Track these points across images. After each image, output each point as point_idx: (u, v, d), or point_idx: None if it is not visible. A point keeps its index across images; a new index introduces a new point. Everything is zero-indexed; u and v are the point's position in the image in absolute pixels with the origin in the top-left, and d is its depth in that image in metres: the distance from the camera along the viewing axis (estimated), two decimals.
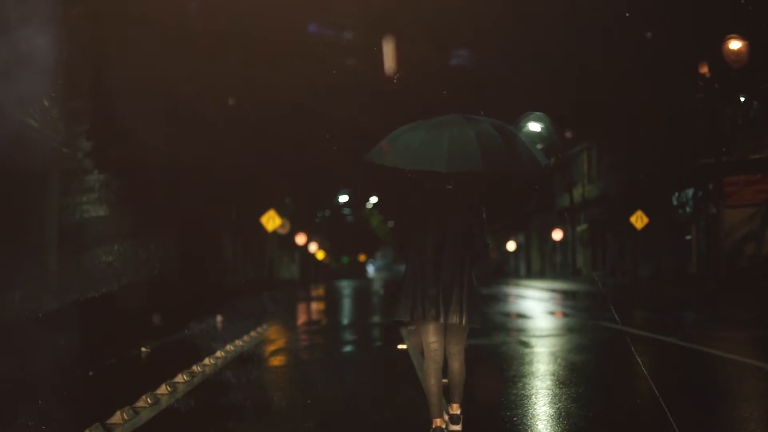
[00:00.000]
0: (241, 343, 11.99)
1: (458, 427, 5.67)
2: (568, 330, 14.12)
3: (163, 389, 7.90)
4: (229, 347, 11.28)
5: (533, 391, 7.76)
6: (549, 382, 8.24)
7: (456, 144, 5.42)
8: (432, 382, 5.69)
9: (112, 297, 14.07)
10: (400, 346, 11.58)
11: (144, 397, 7.29)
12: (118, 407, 6.68)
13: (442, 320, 5.58)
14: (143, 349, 11.43)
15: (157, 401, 7.42)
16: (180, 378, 8.58)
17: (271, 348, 12.29)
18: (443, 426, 5.63)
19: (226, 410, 7.41)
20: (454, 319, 5.56)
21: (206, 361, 9.91)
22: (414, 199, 5.80)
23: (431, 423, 5.67)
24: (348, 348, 12.58)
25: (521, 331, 13.66)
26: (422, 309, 5.57)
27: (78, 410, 7.02)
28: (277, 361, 11.05)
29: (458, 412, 5.69)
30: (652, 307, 20.73)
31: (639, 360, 9.70)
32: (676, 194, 33.61)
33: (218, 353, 10.60)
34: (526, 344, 11.59)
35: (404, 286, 5.68)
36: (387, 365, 10.28)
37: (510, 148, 5.52)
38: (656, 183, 32.56)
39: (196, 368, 9.27)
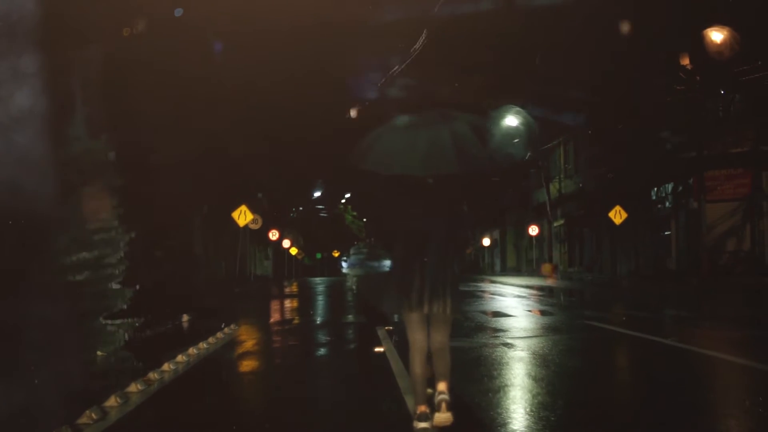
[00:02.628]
0: (205, 345, 11.14)
1: (446, 397, 5.80)
2: (555, 330, 13.37)
3: (112, 401, 7.04)
4: (192, 350, 10.42)
5: (527, 404, 6.97)
6: (545, 393, 7.44)
7: (432, 147, 5.62)
8: (418, 371, 5.89)
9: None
10: (377, 349, 10.77)
11: (88, 412, 6.42)
12: (56, 425, 5.83)
13: (426, 310, 5.77)
14: (98, 353, 10.55)
15: (104, 416, 6.57)
16: (133, 387, 7.72)
17: (240, 351, 11.42)
18: (427, 411, 5.79)
19: (184, 425, 6.58)
20: (438, 309, 5.75)
21: (165, 366, 9.05)
22: (397, 195, 5.91)
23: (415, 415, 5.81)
24: (322, 351, 11.74)
25: (504, 331, 12.88)
26: (408, 300, 5.76)
27: (7, 429, 6.15)
28: (244, 366, 10.19)
29: (445, 389, 5.83)
30: (638, 305, 20.05)
31: (641, 366, 9.01)
32: (655, 189, 33.12)
33: (179, 357, 9.74)
34: (511, 346, 10.81)
35: (392, 281, 5.90)
36: (365, 371, 9.45)
37: (484, 146, 5.72)
38: (635, 178, 32.03)
39: (152, 375, 8.41)
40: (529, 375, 8.42)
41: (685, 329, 13.75)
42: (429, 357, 6.00)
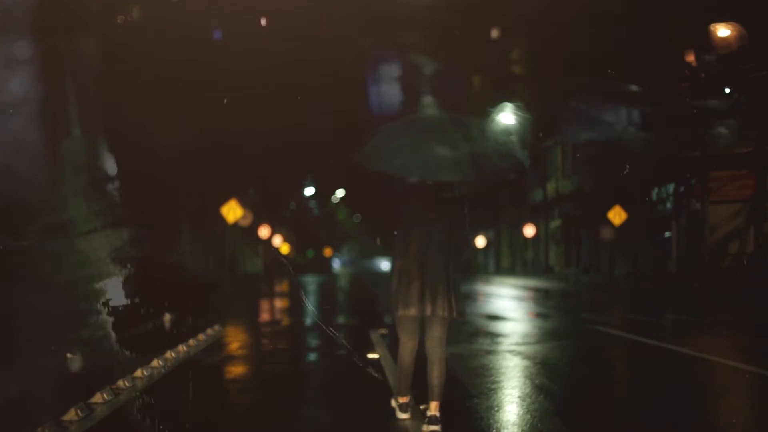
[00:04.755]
0: (185, 348, 10.28)
1: (437, 428, 5.60)
2: (560, 335, 12.62)
3: (72, 414, 6.21)
4: (170, 354, 9.59)
5: (545, 426, 6.17)
6: (563, 412, 6.64)
7: (448, 155, 5.56)
8: (406, 363, 5.89)
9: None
10: (370, 355, 9.95)
11: (41, 429, 5.59)
12: None
13: (429, 313, 5.67)
14: (69, 355, 9.69)
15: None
16: (98, 397, 6.88)
17: (223, 354, 10.59)
18: (408, 402, 5.94)
19: None
20: (441, 312, 5.66)
21: (138, 372, 8.22)
22: (398, 196, 5.88)
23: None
24: (312, 357, 10.91)
25: (506, 336, 12.09)
26: (411, 303, 5.66)
27: None
28: (227, 372, 9.34)
29: (437, 413, 5.66)
30: (642, 309, 19.29)
31: (662, 379, 8.22)
32: (656, 189, 32.37)
33: (155, 362, 8.90)
34: (515, 353, 10.00)
35: (394, 282, 5.78)
36: (358, 382, 8.59)
37: (496, 153, 5.73)
38: (635, 178, 31.25)
39: (122, 383, 7.58)
40: (540, 388, 7.60)
41: (698, 335, 13.00)
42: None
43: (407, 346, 5.90)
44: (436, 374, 5.75)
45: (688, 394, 7.51)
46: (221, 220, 29.64)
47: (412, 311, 5.69)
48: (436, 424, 5.61)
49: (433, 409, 5.67)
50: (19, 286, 10.65)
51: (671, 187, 30.99)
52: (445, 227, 5.75)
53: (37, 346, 8.76)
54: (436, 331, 5.83)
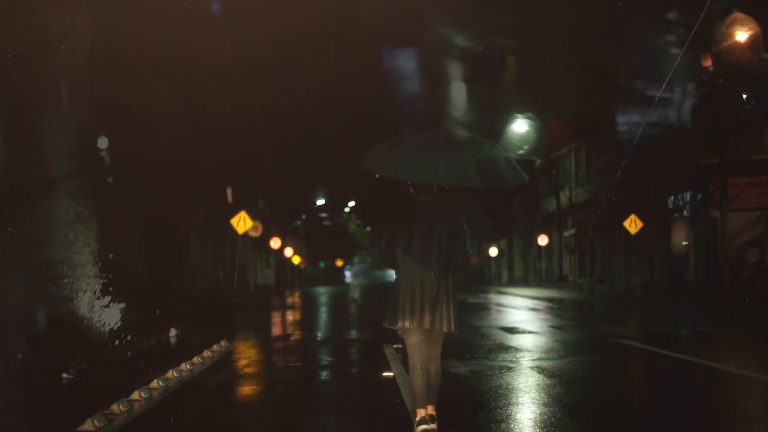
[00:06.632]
0: (189, 366, 9.72)
1: (434, 426, 5.75)
2: (584, 350, 12.00)
3: None
4: (172, 373, 9.04)
5: None
6: None
7: (454, 163, 5.63)
8: (418, 383, 5.82)
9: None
10: (386, 374, 9.38)
11: None
12: None
13: (428, 327, 5.75)
14: (64, 375, 9.16)
15: None
16: (89, 425, 6.32)
17: (228, 374, 9.98)
18: (427, 415, 5.77)
19: None
20: (441, 326, 5.76)
21: (135, 395, 7.66)
22: (400, 209, 5.93)
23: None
24: (324, 375, 10.29)
25: (528, 351, 11.47)
26: (410, 317, 5.75)
27: None
28: (231, 394, 8.73)
29: (434, 413, 5.84)
30: (665, 320, 18.64)
31: (703, 399, 7.60)
32: (672, 197, 31.72)
33: (155, 383, 8.35)
34: (541, 371, 9.39)
35: (394, 295, 5.86)
36: (374, 403, 8.00)
37: (500, 168, 5.79)
38: (650, 185, 30.64)
39: (117, 407, 7.01)
40: (570, 410, 7.00)
41: (731, 350, 12.35)
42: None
43: (416, 358, 5.85)
44: (432, 379, 5.86)
45: (739, 416, 6.90)
46: (231, 231, 29.18)
47: (413, 324, 5.77)
48: (432, 422, 5.76)
49: (430, 410, 5.83)
50: (14, 294, 10.14)
51: (688, 195, 30.35)
52: (445, 241, 5.80)
53: (25, 365, 8.23)
54: (435, 341, 5.92)
